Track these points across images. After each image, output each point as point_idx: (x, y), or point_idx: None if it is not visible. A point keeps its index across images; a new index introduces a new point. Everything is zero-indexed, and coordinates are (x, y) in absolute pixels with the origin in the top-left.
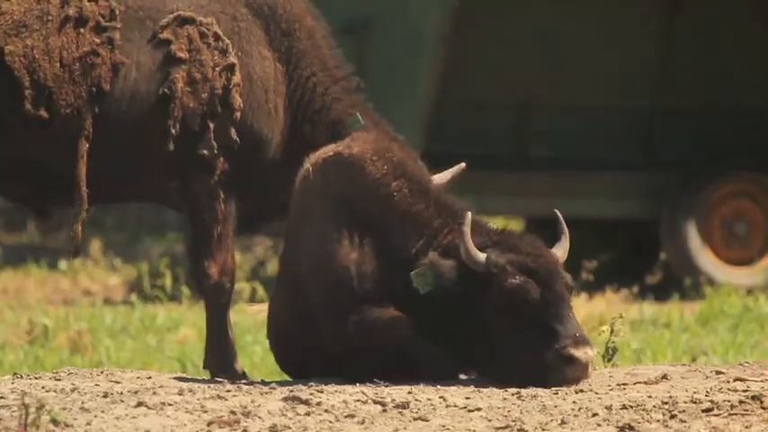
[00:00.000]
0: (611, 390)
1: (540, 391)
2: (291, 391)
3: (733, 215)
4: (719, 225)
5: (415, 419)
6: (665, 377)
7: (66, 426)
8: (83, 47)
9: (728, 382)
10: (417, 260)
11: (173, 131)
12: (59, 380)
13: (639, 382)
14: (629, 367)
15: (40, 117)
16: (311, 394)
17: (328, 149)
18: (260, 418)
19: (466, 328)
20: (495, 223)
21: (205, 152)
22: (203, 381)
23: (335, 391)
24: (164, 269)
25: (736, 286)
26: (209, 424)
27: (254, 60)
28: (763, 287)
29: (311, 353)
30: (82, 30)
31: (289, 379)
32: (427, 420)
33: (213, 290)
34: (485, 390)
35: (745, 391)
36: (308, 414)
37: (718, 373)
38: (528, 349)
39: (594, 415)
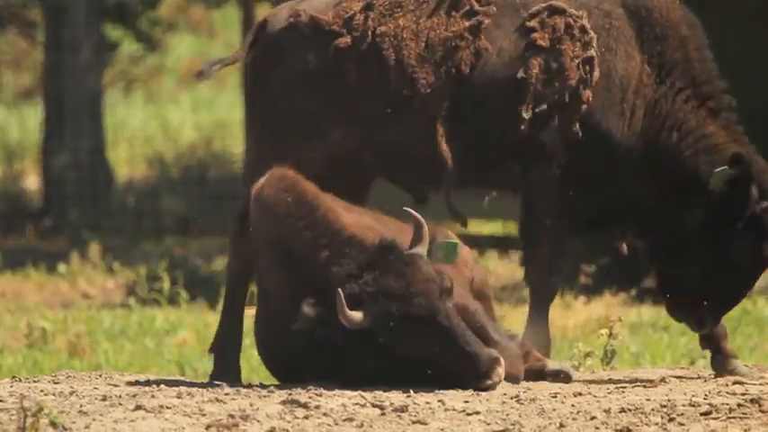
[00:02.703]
0: (609, 393)
1: (538, 394)
2: (290, 394)
3: None
4: None
5: (413, 423)
6: (663, 380)
7: (65, 429)
8: (450, 29)
9: (727, 385)
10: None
11: (524, 117)
12: (58, 383)
13: (638, 386)
14: (628, 370)
15: (402, 97)
16: (310, 398)
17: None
18: (258, 421)
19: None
20: (495, 225)
21: (547, 141)
22: (202, 384)
23: (334, 394)
24: (162, 272)
25: None
26: (208, 427)
27: (618, 58)
28: (762, 290)
29: (283, 355)
30: (453, 13)
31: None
32: (426, 424)
33: (537, 282)
34: (483, 393)
35: (743, 394)
36: (306, 417)
37: (717, 376)
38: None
39: (593, 418)
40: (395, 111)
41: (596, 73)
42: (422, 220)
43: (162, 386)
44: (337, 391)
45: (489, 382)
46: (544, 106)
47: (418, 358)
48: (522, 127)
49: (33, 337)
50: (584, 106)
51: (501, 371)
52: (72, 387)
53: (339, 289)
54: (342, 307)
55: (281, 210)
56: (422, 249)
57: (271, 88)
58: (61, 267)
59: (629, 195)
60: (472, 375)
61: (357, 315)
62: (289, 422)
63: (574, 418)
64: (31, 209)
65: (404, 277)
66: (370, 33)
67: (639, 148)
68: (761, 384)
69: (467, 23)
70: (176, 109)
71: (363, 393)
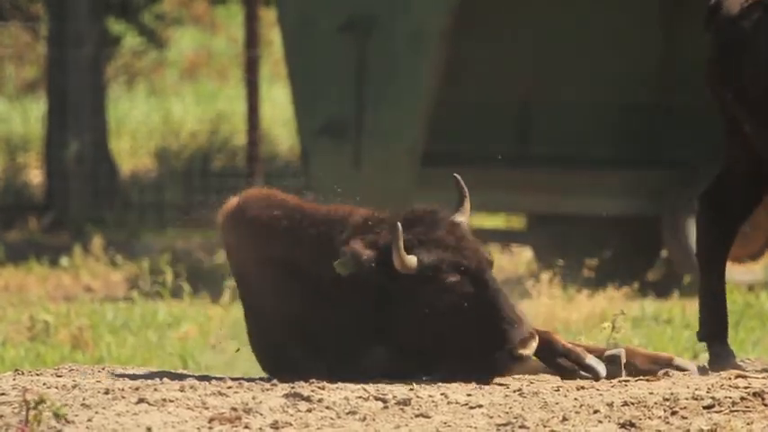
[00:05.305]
0: (612, 386)
1: (541, 387)
2: (293, 387)
3: None
4: None
5: (416, 416)
6: (666, 374)
7: (68, 422)
8: None
9: (730, 378)
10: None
11: None
12: (61, 376)
13: (641, 379)
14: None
15: None
16: (313, 391)
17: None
18: (261, 414)
19: (395, 326)
20: (497, 220)
21: None
22: (204, 377)
23: (337, 387)
24: (164, 266)
25: (738, 283)
26: (211, 420)
27: None
28: (765, 284)
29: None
30: None
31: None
32: (429, 417)
33: None
34: (486, 386)
35: (746, 387)
36: (309, 411)
37: None
38: (474, 349)
39: (596, 412)
40: None
41: None
42: (466, 190)
43: (165, 379)
44: (340, 385)
45: (526, 351)
46: None
47: (458, 317)
48: None
49: (36, 331)
50: None
51: (535, 343)
52: (75, 380)
53: (398, 223)
54: (400, 249)
55: (277, 225)
56: (463, 218)
57: (739, 73)
58: (64, 261)
59: None
60: (511, 341)
61: (412, 259)
62: (291, 415)
63: (577, 412)
64: (33, 202)
65: (453, 234)
66: None
67: None
68: (764, 378)
69: None
70: (179, 102)
71: (366, 387)
